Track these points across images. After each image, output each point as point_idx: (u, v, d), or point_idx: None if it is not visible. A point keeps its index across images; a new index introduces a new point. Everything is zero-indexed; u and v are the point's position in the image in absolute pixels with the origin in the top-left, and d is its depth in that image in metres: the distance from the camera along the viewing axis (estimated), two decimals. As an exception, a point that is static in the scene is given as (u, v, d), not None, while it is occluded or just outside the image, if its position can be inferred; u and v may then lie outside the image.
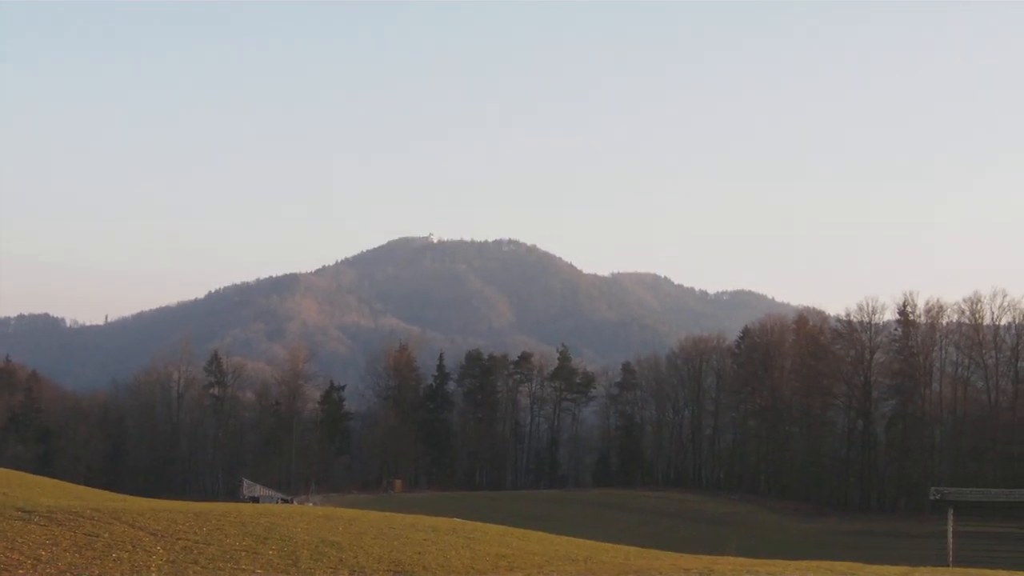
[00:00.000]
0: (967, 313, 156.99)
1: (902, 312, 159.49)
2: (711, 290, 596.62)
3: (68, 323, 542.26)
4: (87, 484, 75.03)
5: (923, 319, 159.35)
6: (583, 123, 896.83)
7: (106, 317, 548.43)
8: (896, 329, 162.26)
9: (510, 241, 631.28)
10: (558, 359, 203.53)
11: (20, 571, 18.71)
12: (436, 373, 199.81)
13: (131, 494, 57.70)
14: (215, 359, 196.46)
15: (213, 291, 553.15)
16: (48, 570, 19.11)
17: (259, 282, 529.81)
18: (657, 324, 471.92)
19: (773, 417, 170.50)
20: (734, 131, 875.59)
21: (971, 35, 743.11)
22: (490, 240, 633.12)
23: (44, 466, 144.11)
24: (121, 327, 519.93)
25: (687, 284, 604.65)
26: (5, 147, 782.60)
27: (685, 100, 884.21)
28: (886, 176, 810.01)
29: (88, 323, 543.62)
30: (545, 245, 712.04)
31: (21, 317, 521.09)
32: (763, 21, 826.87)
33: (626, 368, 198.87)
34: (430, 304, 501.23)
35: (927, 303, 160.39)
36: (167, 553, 22.22)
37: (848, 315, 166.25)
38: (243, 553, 23.20)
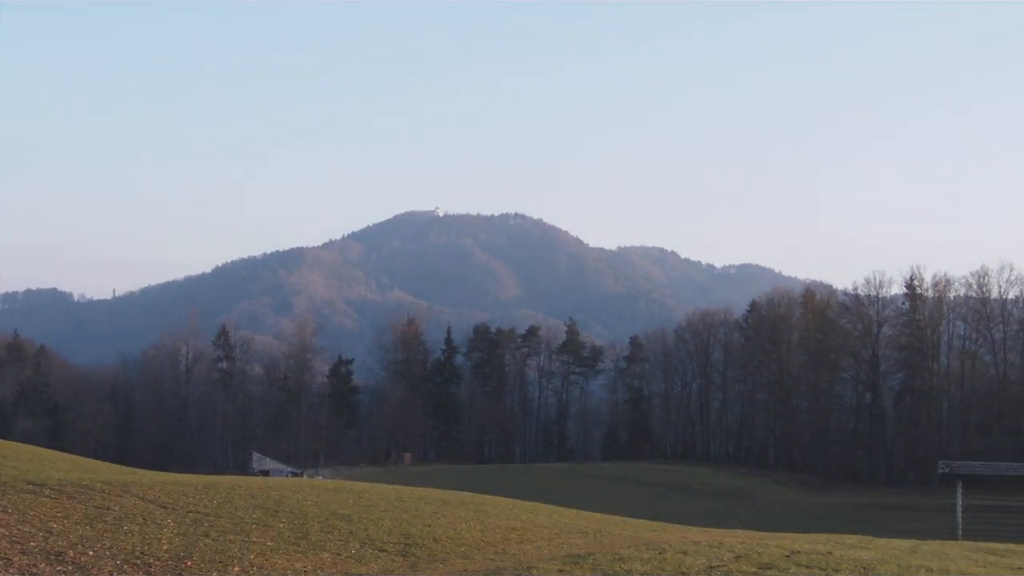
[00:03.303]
0: (974, 287, 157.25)
1: (909, 286, 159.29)
2: (718, 264, 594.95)
3: (76, 297, 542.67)
4: (96, 458, 75.11)
5: (930, 293, 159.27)
6: (589, 95, 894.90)
7: (114, 291, 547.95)
8: (903, 303, 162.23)
9: (516, 215, 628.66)
10: (566, 333, 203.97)
11: (32, 543, 18.71)
12: (444, 347, 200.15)
13: (140, 468, 57.76)
14: (223, 333, 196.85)
15: (220, 265, 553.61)
16: (59, 542, 19.10)
17: (266, 256, 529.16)
18: (664, 298, 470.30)
19: (781, 390, 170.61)
20: (741, 104, 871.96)
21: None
22: (496, 214, 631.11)
23: (53, 440, 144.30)
24: (128, 301, 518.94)
25: (694, 258, 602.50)
26: (11, 120, 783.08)
27: (691, 73, 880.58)
28: (891, 150, 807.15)
29: (96, 297, 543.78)
30: (551, 219, 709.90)
31: (29, 291, 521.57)
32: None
33: (634, 342, 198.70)
34: (437, 278, 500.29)
35: (934, 277, 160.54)
36: (177, 525, 22.20)
37: (855, 289, 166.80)
38: (253, 525, 23.18)
